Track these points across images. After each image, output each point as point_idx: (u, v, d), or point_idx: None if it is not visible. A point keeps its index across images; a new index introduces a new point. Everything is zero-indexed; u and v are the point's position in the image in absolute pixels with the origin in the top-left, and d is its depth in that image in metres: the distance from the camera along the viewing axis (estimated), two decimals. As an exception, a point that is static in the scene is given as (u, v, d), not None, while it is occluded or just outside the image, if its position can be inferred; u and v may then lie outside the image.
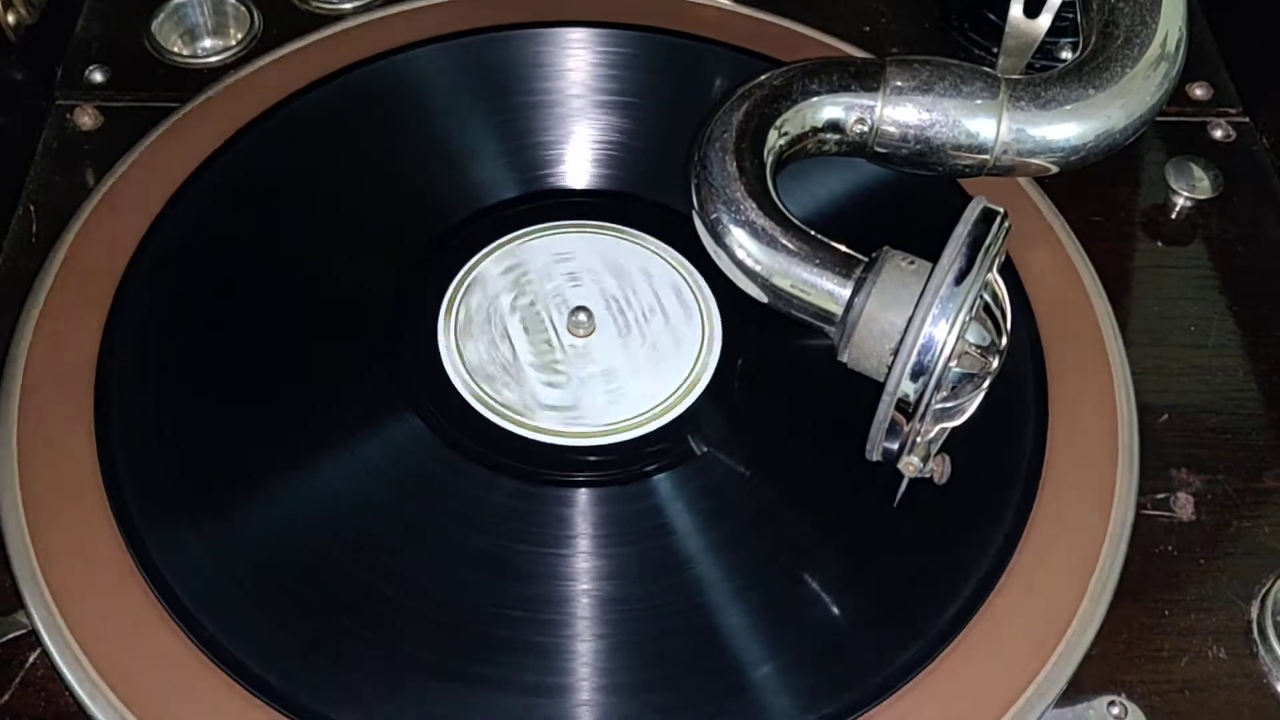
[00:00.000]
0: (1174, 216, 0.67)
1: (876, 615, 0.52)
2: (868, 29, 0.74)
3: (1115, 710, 0.51)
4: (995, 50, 0.62)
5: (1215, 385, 0.61)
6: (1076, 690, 0.51)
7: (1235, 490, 0.58)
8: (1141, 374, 0.60)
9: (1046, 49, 0.67)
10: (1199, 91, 0.72)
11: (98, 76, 0.71)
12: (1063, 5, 0.60)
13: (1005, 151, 0.56)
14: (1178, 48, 0.59)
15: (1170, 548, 0.56)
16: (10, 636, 0.51)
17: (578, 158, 0.65)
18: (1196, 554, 0.56)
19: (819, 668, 0.50)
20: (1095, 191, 0.67)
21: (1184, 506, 0.57)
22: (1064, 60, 0.73)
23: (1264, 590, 0.54)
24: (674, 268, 0.62)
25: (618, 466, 0.55)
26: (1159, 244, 0.66)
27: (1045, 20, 0.61)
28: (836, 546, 0.54)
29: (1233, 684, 0.52)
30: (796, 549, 0.53)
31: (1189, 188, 0.67)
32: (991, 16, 0.72)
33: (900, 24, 0.75)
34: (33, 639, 0.51)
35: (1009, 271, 0.60)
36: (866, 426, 0.50)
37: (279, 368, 0.58)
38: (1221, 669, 0.53)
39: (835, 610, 0.52)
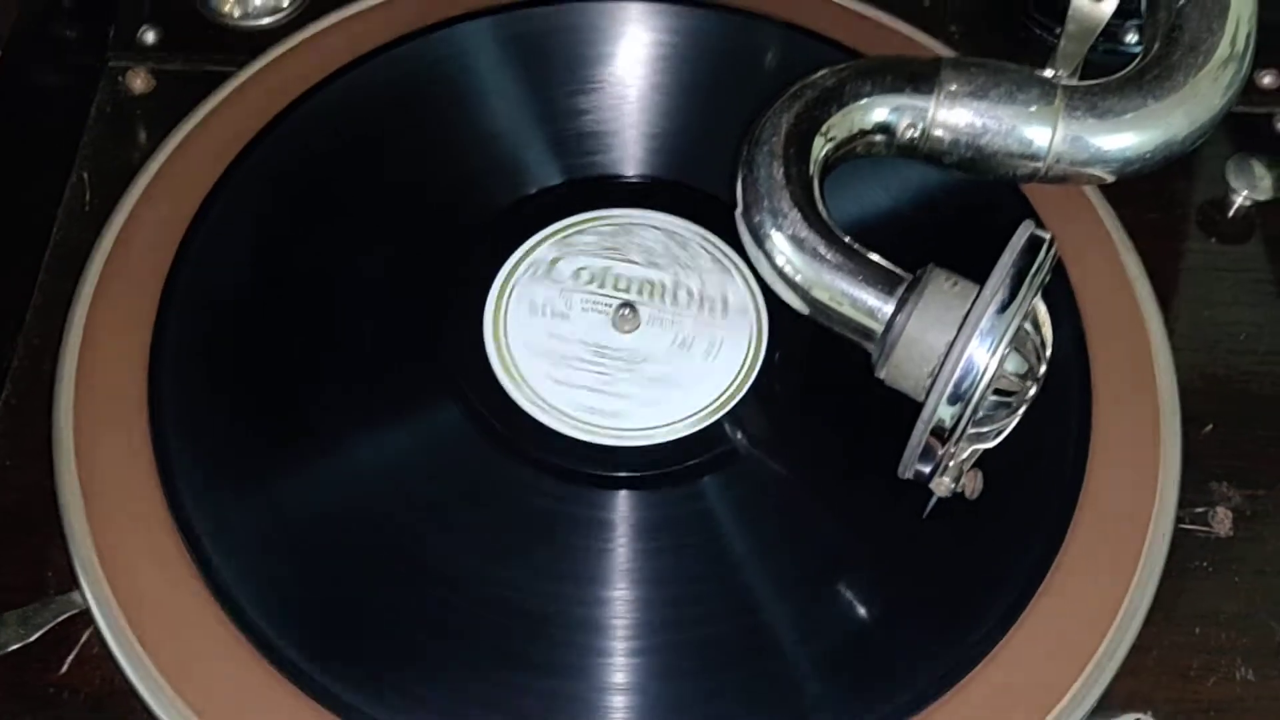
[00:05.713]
0: (1231, 215, 0.66)
1: (909, 629, 0.52)
2: (926, 3, 0.72)
3: (1138, 727, 0.51)
4: (1058, 31, 0.60)
5: (1264, 396, 0.60)
6: (1101, 706, 0.52)
7: (1276, 507, 0.57)
8: (1188, 381, 0.59)
9: (1111, 30, 0.64)
10: (1267, 80, 0.69)
11: (150, 37, 0.71)
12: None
13: (1058, 161, 0.55)
14: (1247, 42, 0.57)
15: (1206, 564, 0.56)
16: (66, 615, 0.53)
17: (629, 143, 0.65)
18: (1231, 571, 0.56)
19: (848, 681, 0.51)
20: (1150, 186, 0.65)
21: (1222, 522, 0.56)
22: (1129, 43, 0.71)
23: (1298, 610, 0.54)
24: (723, 260, 0.62)
25: (658, 468, 0.56)
26: (1213, 241, 0.65)
27: (1110, 5, 0.59)
28: (869, 557, 0.54)
29: (1259, 706, 0.53)
30: (828, 557, 0.54)
31: (1249, 187, 0.65)
32: (1056, -5, 0.70)
33: (960, -1, 0.73)
34: (87, 617, 0.52)
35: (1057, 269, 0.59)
36: (904, 432, 0.50)
37: (330, 347, 0.59)
38: (1249, 690, 0.53)
39: (866, 623, 0.52)
